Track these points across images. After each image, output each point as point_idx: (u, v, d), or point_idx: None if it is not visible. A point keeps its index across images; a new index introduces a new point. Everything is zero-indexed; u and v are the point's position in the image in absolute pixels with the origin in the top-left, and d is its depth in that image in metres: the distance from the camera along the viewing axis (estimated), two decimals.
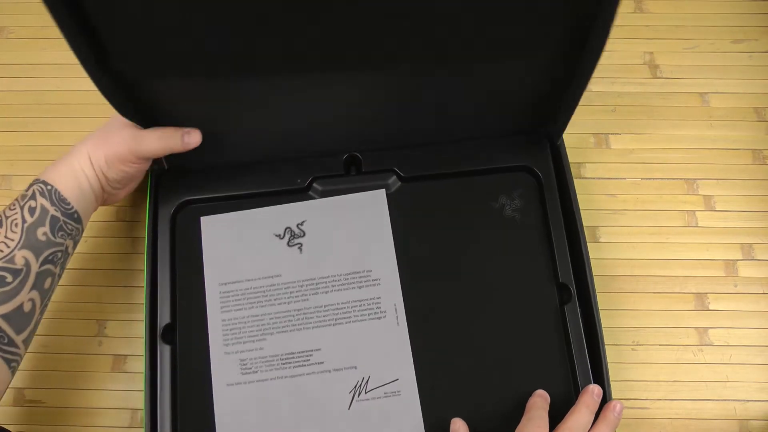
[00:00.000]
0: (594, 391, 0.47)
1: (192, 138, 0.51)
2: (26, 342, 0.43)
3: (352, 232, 0.54)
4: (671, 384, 0.54)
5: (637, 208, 0.60)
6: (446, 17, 0.42)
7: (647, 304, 0.57)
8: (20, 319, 0.42)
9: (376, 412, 0.49)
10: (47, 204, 0.45)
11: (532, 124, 0.55)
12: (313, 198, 0.55)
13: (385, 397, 0.50)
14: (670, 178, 0.61)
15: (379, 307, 0.52)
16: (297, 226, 0.54)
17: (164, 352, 0.51)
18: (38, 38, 0.67)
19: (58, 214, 0.46)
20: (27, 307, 0.43)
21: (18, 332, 0.42)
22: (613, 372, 0.52)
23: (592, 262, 0.52)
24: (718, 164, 0.61)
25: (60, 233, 0.46)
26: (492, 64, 0.48)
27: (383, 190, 0.55)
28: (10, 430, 0.49)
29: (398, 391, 0.50)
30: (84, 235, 0.59)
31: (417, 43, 0.44)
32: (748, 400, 0.54)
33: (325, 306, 0.52)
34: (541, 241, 0.54)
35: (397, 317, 0.51)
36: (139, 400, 0.53)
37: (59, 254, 0.46)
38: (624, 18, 0.67)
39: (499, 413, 0.50)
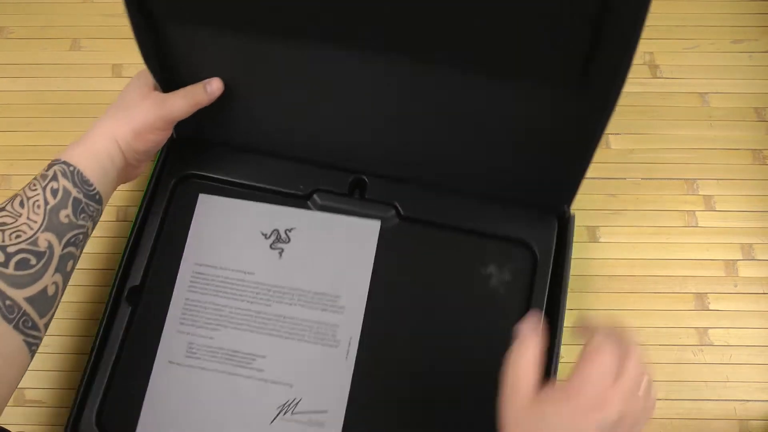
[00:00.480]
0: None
1: (213, 86, 0.50)
2: (47, 326, 0.43)
3: (336, 254, 0.53)
4: (671, 384, 0.54)
5: (637, 208, 0.60)
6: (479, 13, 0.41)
7: (647, 304, 0.57)
8: (44, 302, 0.42)
9: None
10: (69, 185, 0.44)
11: (537, 191, 0.53)
12: (310, 208, 0.55)
13: (309, 424, 0.49)
14: (670, 178, 0.61)
15: (335, 336, 0.51)
16: (285, 231, 0.54)
17: (124, 312, 0.51)
18: (38, 38, 0.67)
19: (81, 196, 0.45)
20: (51, 290, 0.42)
21: (41, 316, 0.42)
22: None
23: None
24: (718, 164, 0.61)
25: (82, 215, 0.45)
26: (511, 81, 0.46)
27: (378, 223, 0.54)
28: (10, 430, 0.49)
29: (323, 423, 0.49)
30: None
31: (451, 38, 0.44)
32: (748, 400, 0.54)
33: (284, 317, 0.52)
34: (516, 324, 0.51)
35: (348, 351, 0.51)
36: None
37: (81, 236, 0.45)
38: None
39: None
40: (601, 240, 0.59)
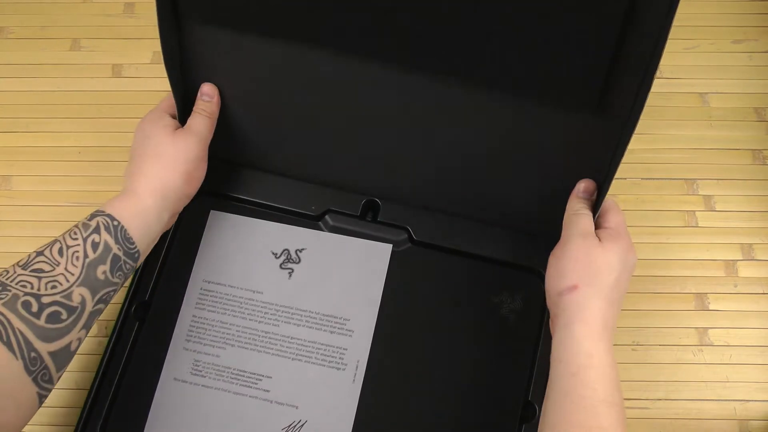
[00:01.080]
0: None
1: (204, 89, 0.52)
2: (59, 378, 0.42)
3: (346, 276, 0.53)
4: (671, 384, 0.54)
5: (637, 208, 0.60)
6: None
7: (647, 304, 0.57)
8: (65, 357, 0.41)
9: None
10: (111, 241, 0.43)
11: (550, 220, 0.51)
12: (322, 229, 0.55)
13: None
14: (670, 178, 0.61)
15: (342, 359, 0.51)
16: (296, 251, 0.54)
17: (131, 327, 0.51)
18: (38, 38, 0.67)
19: (120, 254, 0.44)
20: (74, 345, 0.41)
21: (58, 369, 0.41)
22: None
23: None
24: (718, 164, 0.61)
25: (118, 273, 0.44)
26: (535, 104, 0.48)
27: (390, 246, 0.53)
28: None
29: None
30: None
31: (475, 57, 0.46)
32: (748, 400, 0.54)
33: (291, 337, 0.51)
34: (525, 353, 0.51)
35: (355, 374, 0.50)
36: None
37: (112, 293, 0.44)
38: None
39: None
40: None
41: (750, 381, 0.54)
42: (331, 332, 0.51)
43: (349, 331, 0.51)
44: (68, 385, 0.55)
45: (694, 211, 0.60)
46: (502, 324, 0.52)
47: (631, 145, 0.62)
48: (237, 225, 0.55)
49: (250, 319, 0.52)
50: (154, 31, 0.66)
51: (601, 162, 0.47)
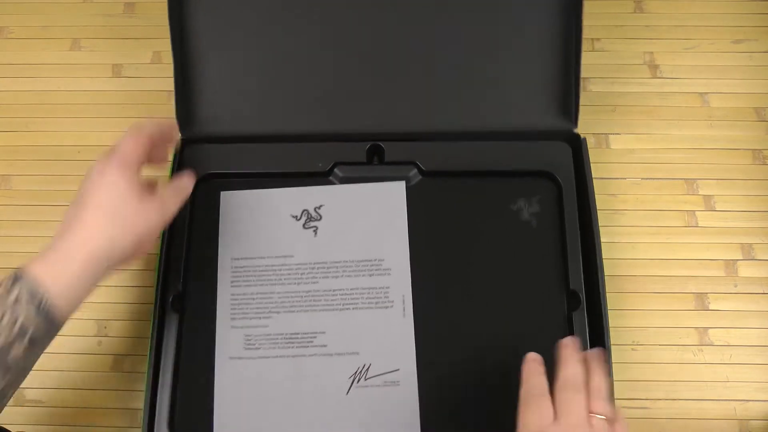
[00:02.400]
0: (571, 343, 0.43)
1: (192, 176, 0.49)
2: None
3: (369, 220, 0.54)
4: (671, 384, 0.54)
5: (637, 208, 0.60)
6: None
7: (647, 304, 0.57)
8: None
9: (374, 400, 0.49)
10: (32, 316, 0.38)
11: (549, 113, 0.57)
12: (333, 183, 0.56)
13: (384, 385, 0.50)
14: (670, 178, 0.61)
15: (387, 297, 0.52)
16: (314, 209, 0.54)
17: (172, 320, 0.51)
18: (38, 38, 0.67)
19: (39, 333, 0.39)
20: None
21: None
22: (614, 372, 0.52)
23: None
24: (718, 164, 0.61)
25: (35, 351, 0.40)
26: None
27: (403, 182, 0.55)
28: (10, 430, 0.49)
29: (398, 381, 0.50)
30: None
31: None
32: (748, 400, 0.54)
33: (333, 290, 0.52)
34: (555, 247, 0.54)
35: (404, 308, 0.51)
36: (140, 400, 0.53)
37: (24, 374, 0.40)
38: (624, 18, 0.67)
39: (496, 414, 0.50)
40: (602, 240, 0.58)
41: (750, 381, 0.54)
42: (370, 275, 0.52)
43: (387, 269, 0.52)
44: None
45: (694, 211, 0.60)
46: (527, 228, 0.54)
47: (631, 145, 0.62)
48: (250, 199, 0.55)
49: (288, 284, 0.52)
50: (154, 31, 0.67)
51: None
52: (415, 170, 0.56)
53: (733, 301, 0.57)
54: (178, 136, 0.50)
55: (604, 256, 0.53)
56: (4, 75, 0.66)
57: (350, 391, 0.50)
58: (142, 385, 0.50)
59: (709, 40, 0.66)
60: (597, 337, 0.50)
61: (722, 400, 0.54)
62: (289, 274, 0.53)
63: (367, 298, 0.52)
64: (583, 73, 0.64)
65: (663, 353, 0.55)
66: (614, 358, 0.53)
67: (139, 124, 0.46)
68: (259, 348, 0.51)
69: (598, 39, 0.66)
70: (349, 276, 0.52)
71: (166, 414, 0.49)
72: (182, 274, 0.53)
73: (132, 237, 0.42)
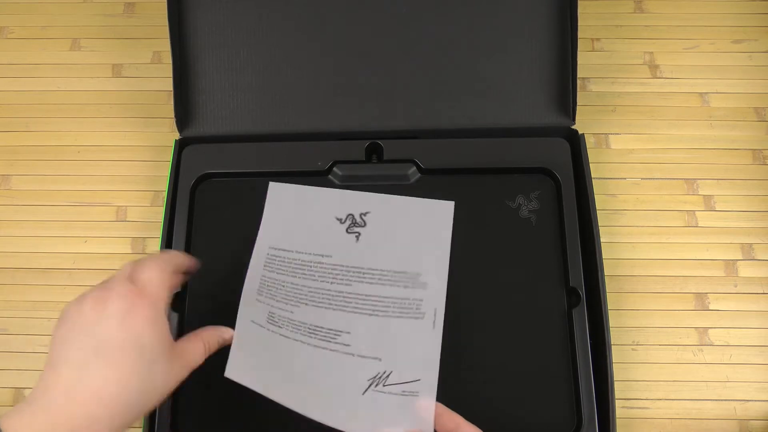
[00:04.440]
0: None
1: (227, 336, 0.44)
2: None
3: (413, 234, 0.54)
4: (671, 384, 0.54)
5: (637, 208, 0.60)
6: None
7: (647, 304, 0.57)
8: None
9: (390, 407, 0.48)
10: None
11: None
12: (332, 182, 0.56)
13: (402, 395, 0.48)
14: (670, 178, 0.61)
15: (419, 309, 0.51)
16: (360, 215, 0.54)
17: (172, 319, 0.51)
18: (38, 38, 0.67)
19: None
20: None
21: None
22: (614, 372, 0.52)
23: None
24: (718, 164, 0.61)
25: None
26: None
27: (452, 203, 0.55)
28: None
29: (416, 392, 0.48)
30: (84, 234, 0.59)
31: None
32: (748, 400, 0.54)
33: (366, 295, 0.51)
34: (555, 244, 0.54)
35: (434, 321, 0.50)
36: None
37: None
38: (624, 18, 0.67)
39: (495, 412, 0.50)
40: (602, 240, 0.58)
41: (750, 381, 0.54)
42: (405, 287, 0.51)
43: (423, 284, 0.52)
44: None
45: (694, 211, 0.60)
46: (525, 225, 0.55)
47: (631, 145, 0.62)
48: (298, 194, 0.55)
49: (321, 281, 0.51)
50: (154, 31, 0.67)
51: None
52: (414, 168, 0.56)
53: (733, 301, 0.57)
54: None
55: (604, 257, 0.53)
56: (4, 75, 0.66)
57: (367, 392, 0.48)
58: None
59: (709, 40, 0.66)
60: (597, 334, 0.50)
61: (722, 400, 0.54)
62: (323, 273, 0.52)
63: (398, 308, 0.51)
64: (583, 73, 0.64)
65: (663, 353, 0.55)
66: (614, 358, 0.53)
67: (165, 254, 0.42)
68: (282, 327, 0.49)
69: (598, 39, 0.66)
70: (383, 284, 0.51)
71: (167, 414, 0.49)
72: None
73: (150, 403, 0.35)
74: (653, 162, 0.61)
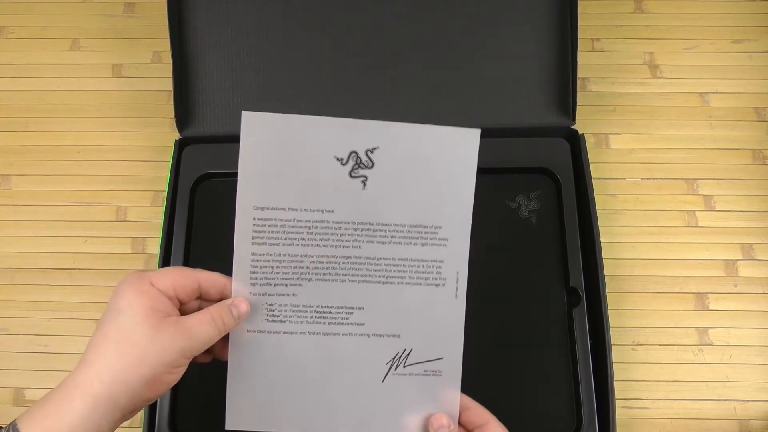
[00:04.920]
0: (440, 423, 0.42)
1: (242, 309, 0.41)
2: None
3: (430, 175, 0.43)
4: (671, 384, 0.54)
5: (637, 208, 0.60)
6: None
7: (647, 304, 0.57)
8: None
9: (412, 390, 0.44)
10: None
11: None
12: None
13: (425, 375, 0.44)
14: (670, 178, 0.61)
15: (440, 273, 0.44)
16: (366, 152, 0.43)
17: None
18: (38, 38, 0.67)
19: None
20: None
21: None
22: (614, 372, 0.52)
23: None
24: (718, 164, 0.61)
25: None
26: None
27: (478, 132, 0.43)
28: None
29: (440, 371, 0.44)
30: (84, 234, 0.59)
31: None
32: (748, 400, 0.54)
33: (378, 258, 0.43)
34: (555, 244, 0.54)
35: (457, 288, 0.44)
36: None
37: None
38: (624, 18, 0.67)
39: (496, 412, 0.49)
40: (602, 240, 0.58)
41: (750, 381, 0.54)
42: (423, 245, 0.44)
43: (443, 240, 0.44)
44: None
45: (694, 211, 0.60)
46: (525, 225, 0.55)
47: (631, 145, 0.62)
48: (282, 127, 0.42)
49: (324, 246, 0.43)
50: (154, 31, 0.67)
51: None
52: None
53: (733, 301, 0.57)
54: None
55: (604, 257, 0.53)
56: (4, 75, 0.66)
57: (386, 378, 0.44)
58: None
59: (709, 40, 0.66)
60: (597, 334, 0.50)
61: (722, 400, 0.54)
62: (326, 234, 0.43)
63: (416, 272, 0.43)
64: (583, 73, 0.64)
65: (663, 353, 0.55)
66: (614, 358, 0.53)
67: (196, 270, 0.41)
68: (284, 321, 0.43)
69: (598, 39, 0.66)
70: (398, 243, 0.43)
71: (166, 414, 0.49)
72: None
73: (139, 372, 0.35)
74: (653, 162, 0.61)
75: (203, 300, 0.41)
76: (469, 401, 0.43)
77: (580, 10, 0.55)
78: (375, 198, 0.43)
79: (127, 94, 0.65)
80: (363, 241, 0.43)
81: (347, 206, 0.43)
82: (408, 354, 0.44)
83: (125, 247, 0.59)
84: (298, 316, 0.43)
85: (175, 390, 0.50)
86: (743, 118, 0.63)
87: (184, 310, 0.39)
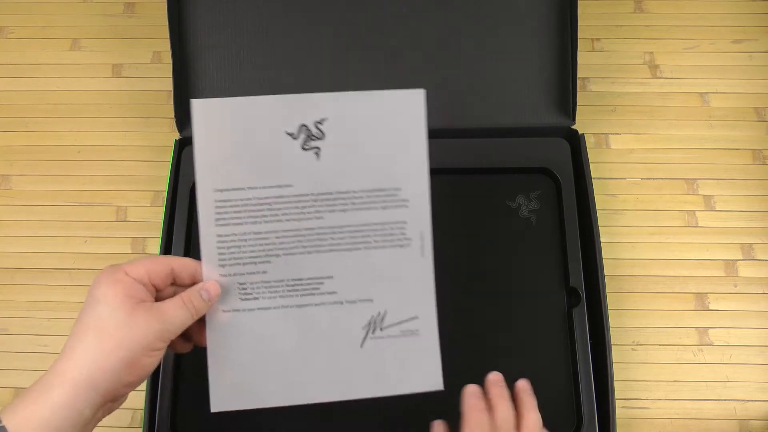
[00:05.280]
0: (497, 379, 0.44)
1: (212, 292, 0.42)
2: None
3: (382, 139, 0.45)
4: (671, 384, 0.54)
5: (637, 208, 0.60)
6: None
7: (647, 304, 0.57)
8: None
9: (391, 352, 0.44)
10: None
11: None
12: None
13: (403, 335, 0.44)
14: (670, 178, 0.61)
15: (404, 234, 0.44)
16: (315, 124, 0.44)
17: None
18: (38, 38, 0.67)
19: None
20: None
21: None
22: (614, 372, 0.52)
23: None
24: (718, 164, 0.61)
25: None
26: None
27: (422, 91, 0.45)
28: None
29: (417, 330, 0.45)
30: (84, 234, 0.59)
31: None
32: (748, 400, 0.54)
33: (341, 227, 0.44)
34: (555, 244, 0.54)
35: (422, 246, 0.45)
36: (140, 400, 0.53)
37: None
38: (624, 18, 0.67)
39: None
40: (602, 240, 0.58)
41: (750, 381, 0.54)
42: (384, 208, 0.45)
43: (403, 201, 0.45)
44: None
45: (694, 211, 0.60)
46: (526, 225, 0.55)
47: (631, 145, 0.62)
48: (233, 110, 0.44)
49: (287, 220, 0.44)
50: (154, 31, 0.67)
51: None
52: None
53: (733, 301, 0.57)
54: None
55: (604, 257, 0.53)
56: (3, 75, 0.66)
57: (365, 343, 0.44)
58: (143, 385, 0.50)
59: (709, 40, 0.66)
60: (597, 334, 0.50)
61: (722, 400, 0.54)
62: (288, 209, 0.44)
63: (380, 236, 0.44)
64: (583, 73, 0.64)
65: (663, 353, 0.55)
66: (614, 358, 0.53)
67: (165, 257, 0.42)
68: (258, 298, 0.44)
69: (598, 39, 0.66)
70: (359, 209, 0.44)
71: (166, 414, 0.49)
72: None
73: (118, 355, 0.36)
74: (653, 162, 0.61)
75: (177, 286, 0.42)
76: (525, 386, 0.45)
77: (580, 10, 0.55)
78: (330, 167, 0.44)
79: (127, 94, 0.65)
80: (325, 212, 0.44)
81: (304, 179, 0.44)
82: (383, 317, 0.44)
83: (125, 247, 0.59)
84: (271, 292, 0.44)
85: (175, 390, 0.50)
86: (743, 118, 0.63)
87: (160, 297, 0.41)
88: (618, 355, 0.54)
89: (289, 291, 0.44)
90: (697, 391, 0.54)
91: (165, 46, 0.57)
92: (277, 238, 0.44)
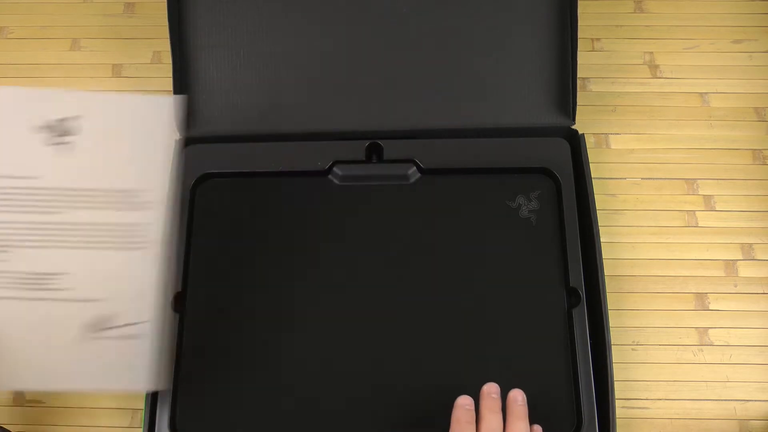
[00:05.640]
0: (490, 390, 0.45)
1: None
2: None
3: (131, 142, 0.46)
4: (671, 384, 0.54)
5: (637, 208, 0.60)
6: None
7: (647, 304, 0.57)
8: None
9: (112, 352, 0.45)
10: None
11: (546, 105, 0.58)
12: (332, 182, 0.56)
13: (120, 339, 0.45)
14: (670, 178, 0.61)
15: (142, 237, 0.45)
16: (66, 121, 0.45)
17: (172, 320, 0.51)
18: (38, 38, 0.67)
19: None
20: None
21: None
22: (614, 372, 0.53)
23: None
24: (718, 164, 0.61)
25: None
26: None
27: (170, 98, 0.48)
28: (10, 430, 0.49)
29: (137, 335, 0.45)
30: None
31: None
32: (748, 400, 0.54)
33: (81, 224, 0.44)
34: (555, 244, 0.54)
35: (156, 251, 0.45)
36: (140, 400, 0.53)
37: None
38: (624, 18, 0.67)
39: None
40: (601, 240, 0.58)
41: (750, 381, 0.54)
42: (124, 209, 0.45)
43: (143, 204, 0.45)
44: None
45: (694, 211, 0.60)
46: (525, 225, 0.55)
47: (631, 145, 0.62)
48: None
49: (31, 212, 0.44)
50: (154, 31, 0.67)
51: None
52: (414, 168, 0.56)
53: (733, 301, 0.57)
54: None
55: (604, 257, 0.53)
56: (4, 75, 0.66)
57: (84, 342, 0.44)
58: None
59: (709, 40, 0.66)
60: (597, 334, 0.50)
61: (722, 400, 0.54)
62: (31, 201, 0.44)
63: (117, 237, 0.45)
64: (583, 73, 0.64)
65: (663, 353, 0.55)
66: (614, 358, 0.53)
67: None
68: None
69: (598, 39, 0.66)
70: (98, 208, 0.45)
71: (166, 414, 0.49)
72: (182, 273, 0.53)
73: None
74: (653, 162, 0.61)
75: None
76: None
77: (580, 10, 0.56)
78: (76, 164, 0.45)
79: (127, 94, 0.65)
80: (65, 207, 0.44)
81: (51, 173, 0.44)
82: (108, 318, 0.44)
83: None
84: (8, 281, 0.44)
85: (175, 390, 0.50)
86: (743, 118, 0.63)
87: None
88: (618, 355, 0.54)
89: (19, 283, 0.44)
90: (697, 391, 0.54)
91: (165, 46, 0.57)
92: (18, 228, 0.44)
